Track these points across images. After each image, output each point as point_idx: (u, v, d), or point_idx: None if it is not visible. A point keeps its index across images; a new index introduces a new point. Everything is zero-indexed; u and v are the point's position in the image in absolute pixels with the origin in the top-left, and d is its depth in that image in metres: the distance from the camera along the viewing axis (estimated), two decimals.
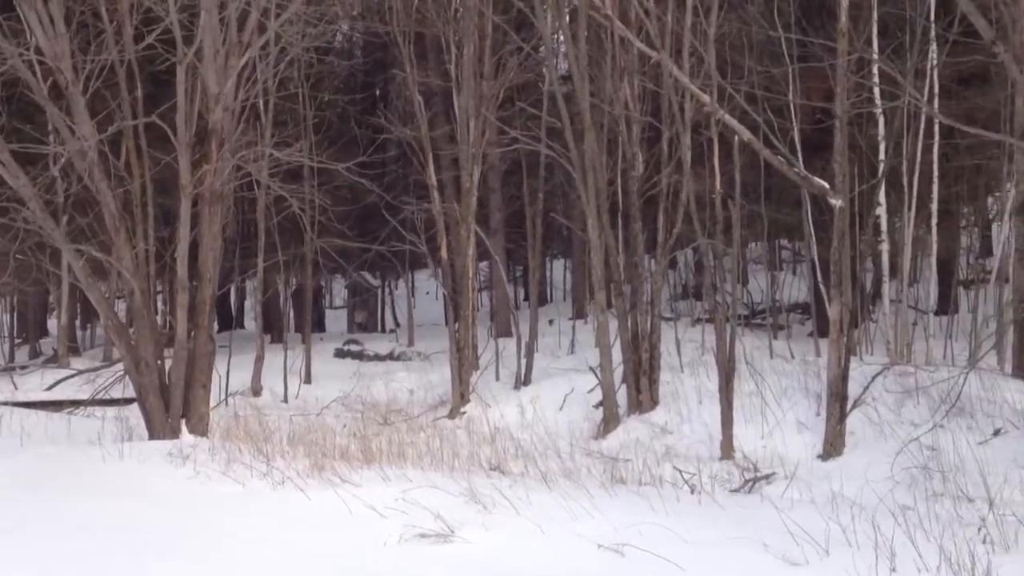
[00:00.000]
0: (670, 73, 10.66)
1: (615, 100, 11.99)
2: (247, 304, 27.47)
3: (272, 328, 20.51)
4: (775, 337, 14.78)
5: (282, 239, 16.35)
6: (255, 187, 15.13)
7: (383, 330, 25.56)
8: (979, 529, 6.33)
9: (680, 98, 11.36)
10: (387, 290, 27.35)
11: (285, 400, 15.22)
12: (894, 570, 5.47)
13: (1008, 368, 12.42)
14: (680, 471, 9.09)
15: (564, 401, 12.72)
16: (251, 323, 24.54)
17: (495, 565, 6.07)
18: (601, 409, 11.99)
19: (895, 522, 6.29)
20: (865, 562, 5.50)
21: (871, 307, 15.20)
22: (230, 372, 15.22)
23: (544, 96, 14.88)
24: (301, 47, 13.31)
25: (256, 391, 15.64)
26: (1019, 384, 11.41)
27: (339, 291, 33.65)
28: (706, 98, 10.19)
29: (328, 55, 17.78)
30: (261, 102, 14.39)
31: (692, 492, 8.17)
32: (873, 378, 10.85)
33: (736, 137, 10.55)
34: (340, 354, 18.40)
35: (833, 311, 10.16)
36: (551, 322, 19.02)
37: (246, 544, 6.53)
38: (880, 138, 12.70)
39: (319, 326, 24.46)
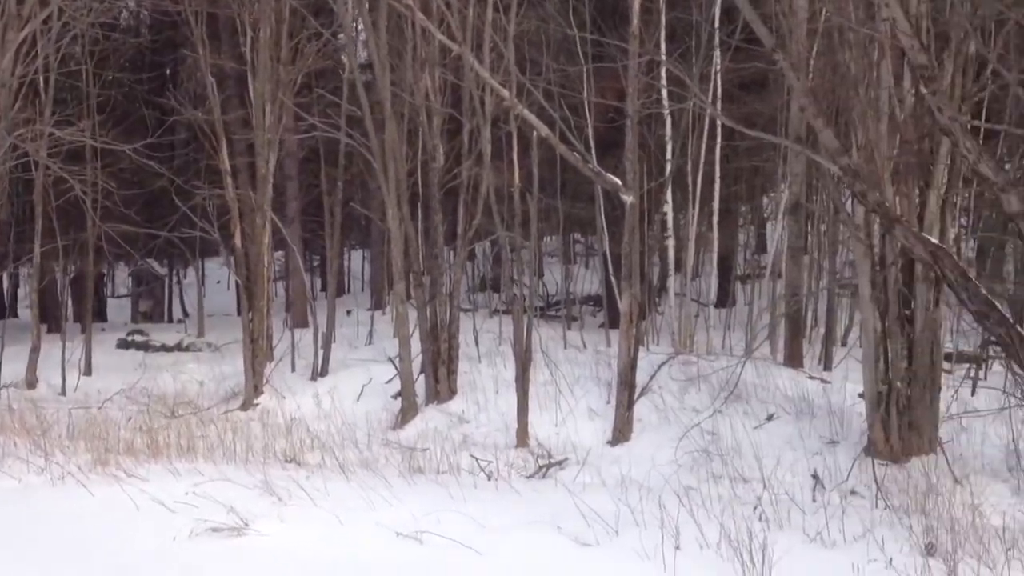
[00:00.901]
0: (471, 67, 10.78)
1: (416, 91, 12.01)
2: (21, 292, 25.77)
3: (49, 317, 19.35)
4: (569, 328, 15.23)
5: (62, 223, 15.43)
6: (33, 168, 14.23)
7: (170, 320, 24.58)
8: (755, 508, 6.76)
9: (481, 92, 11.51)
10: (175, 278, 26.31)
11: (63, 393, 14.40)
12: (679, 547, 5.77)
13: (780, 358, 13.30)
14: (477, 459, 9.23)
15: (362, 392, 12.65)
16: (26, 312, 23.06)
17: (291, 557, 6.00)
18: (399, 399, 12.00)
19: (679, 503, 6.63)
20: (652, 540, 5.78)
21: (657, 300, 15.89)
22: (2, 363, 14.27)
23: (344, 84, 14.71)
24: (86, 22, 12.60)
25: (31, 383, 14.72)
26: (790, 372, 12.24)
27: (123, 279, 32.09)
28: (505, 93, 10.38)
29: (114, 31, 16.90)
30: (41, 79, 13.54)
31: (489, 479, 8.32)
32: (659, 367, 11.36)
33: (534, 132, 10.79)
34: (124, 344, 17.57)
35: (624, 303, 10.58)
36: (349, 312, 18.85)
37: (24, 541, 6.17)
38: (667, 138, 13.30)
39: (101, 315, 23.25)
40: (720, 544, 5.70)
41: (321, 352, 13.92)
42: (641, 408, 10.75)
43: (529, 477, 9.04)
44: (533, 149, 11.22)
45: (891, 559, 5.56)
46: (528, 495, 7.46)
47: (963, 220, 18.64)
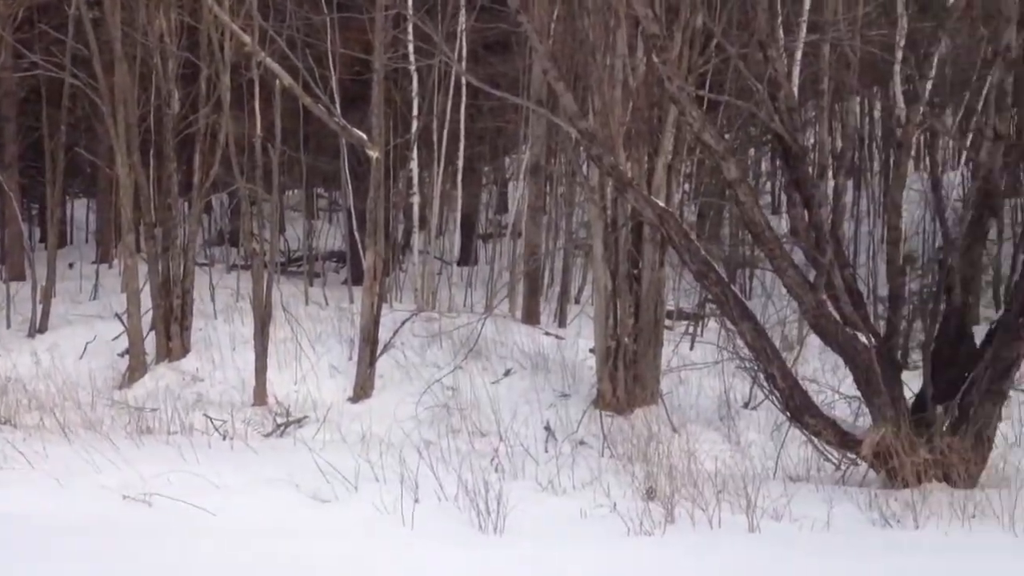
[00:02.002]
0: (210, 8, 10.29)
1: (150, 31, 11.31)
2: None
3: None
4: (311, 284, 14.97)
5: None
6: None
7: None
8: (492, 460, 6.97)
9: (220, 36, 10.99)
10: None
11: None
12: (418, 500, 5.85)
13: (519, 315, 13.70)
14: (211, 419, 8.95)
15: (85, 349, 11.89)
16: None
17: (3, 521, 5.59)
18: (127, 357, 11.40)
19: (419, 457, 6.72)
20: (392, 494, 5.83)
21: (402, 257, 15.91)
22: None
23: (70, 20, 13.61)
24: None
25: None
26: (528, 329, 12.63)
27: None
28: (247, 38, 10.00)
29: None
30: None
31: (224, 439, 8.09)
32: (402, 324, 11.41)
33: (277, 81, 10.47)
34: None
35: (368, 260, 10.52)
36: (71, 265, 17.62)
37: None
38: (414, 95, 13.27)
39: None
40: (458, 496, 5.84)
41: (40, 307, 12.96)
42: (383, 365, 10.77)
43: (267, 436, 8.88)
44: (276, 99, 10.86)
45: (615, 504, 5.89)
46: (265, 454, 7.32)
47: (687, 186, 19.86)
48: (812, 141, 11.21)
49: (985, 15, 7.21)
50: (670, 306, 13.59)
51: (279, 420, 9.40)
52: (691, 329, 13.30)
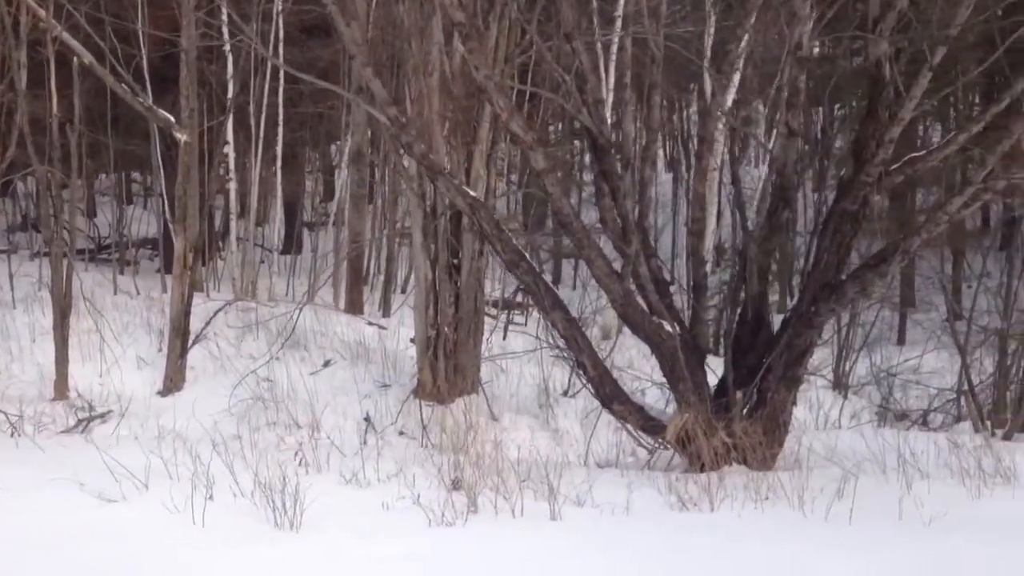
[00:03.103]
0: None
1: None
2: None
3: None
4: (122, 273, 14.32)
5: None
6: None
7: None
8: (296, 453, 6.79)
9: (14, 10, 10.31)
10: None
11: None
12: (211, 498, 5.63)
13: (342, 304, 13.49)
14: (6, 414, 8.41)
15: None
16: None
17: None
18: None
19: (217, 452, 6.48)
20: (183, 492, 5.59)
21: (221, 244, 15.41)
22: None
23: None
24: None
25: None
26: (349, 319, 12.46)
27: None
28: (42, 13, 9.42)
29: None
30: None
31: (12, 436, 7.60)
32: (215, 313, 11.04)
33: (76, 59, 9.91)
34: None
35: (178, 246, 10.11)
36: None
37: None
38: (229, 76, 12.84)
39: None
40: (254, 492, 5.65)
41: None
42: (196, 356, 10.39)
43: (67, 431, 8.41)
44: (75, 78, 10.28)
45: (419, 495, 5.83)
46: (54, 452, 6.91)
47: (513, 176, 20.02)
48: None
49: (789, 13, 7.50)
50: (496, 294, 13.70)
51: (80, 415, 8.92)
52: (514, 318, 13.41)
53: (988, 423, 9.03)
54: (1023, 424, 8.61)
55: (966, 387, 9.40)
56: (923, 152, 7.10)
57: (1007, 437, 8.26)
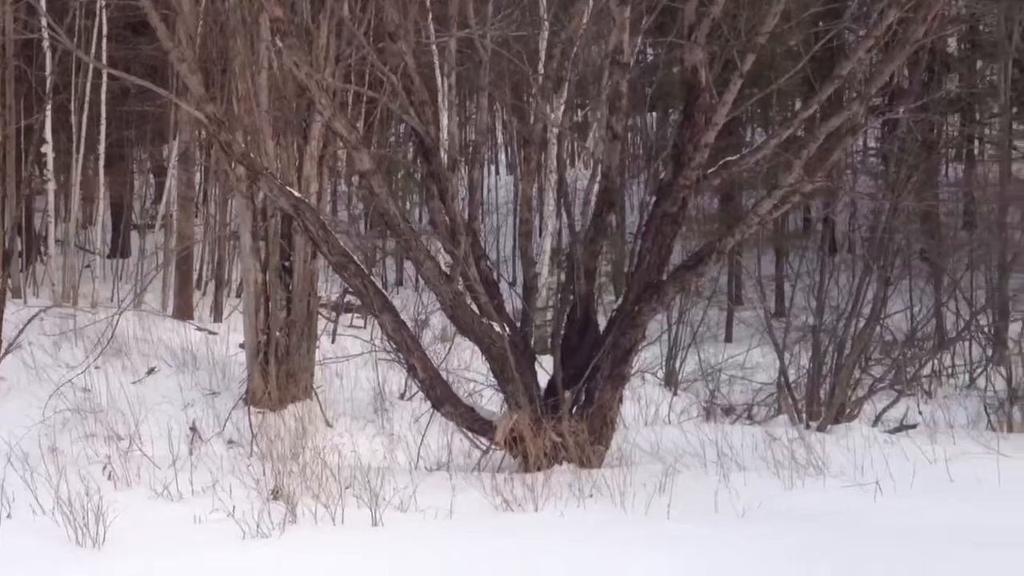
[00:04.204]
0: None
1: None
2: None
3: None
4: None
5: None
6: None
7: None
8: (104, 467, 6.48)
9: None
10: None
11: None
12: (9, 516, 5.32)
13: (170, 310, 13.02)
14: None
15: None
16: None
17: None
18: None
19: (15, 467, 6.13)
20: None
21: (43, 247, 14.65)
22: None
23: None
24: None
25: None
26: (176, 324, 12.03)
27: None
28: None
29: None
30: None
31: None
32: (29, 321, 10.48)
33: None
34: None
35: None
36: None
37: None
38: (48, 73, 12.22)
39: None
40: (54, 509, 5.35)
41: None
42: (8, 366, 9.86)
43: None
44: None
45: (234, 507, 5.64)
46: None
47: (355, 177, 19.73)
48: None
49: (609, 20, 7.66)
50: (334, 296, 13.47)
51: None
52: (354, 321, 13.24)
53: (803, 416, 9.42)
54: (835, 416, 9.02)
55: (784, 382, 9.79)
56: (737, 156, 7.34)
57: (821, 429, 8.62)
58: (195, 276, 14.13)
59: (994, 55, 16.49)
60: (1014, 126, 16.72)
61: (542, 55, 10.97)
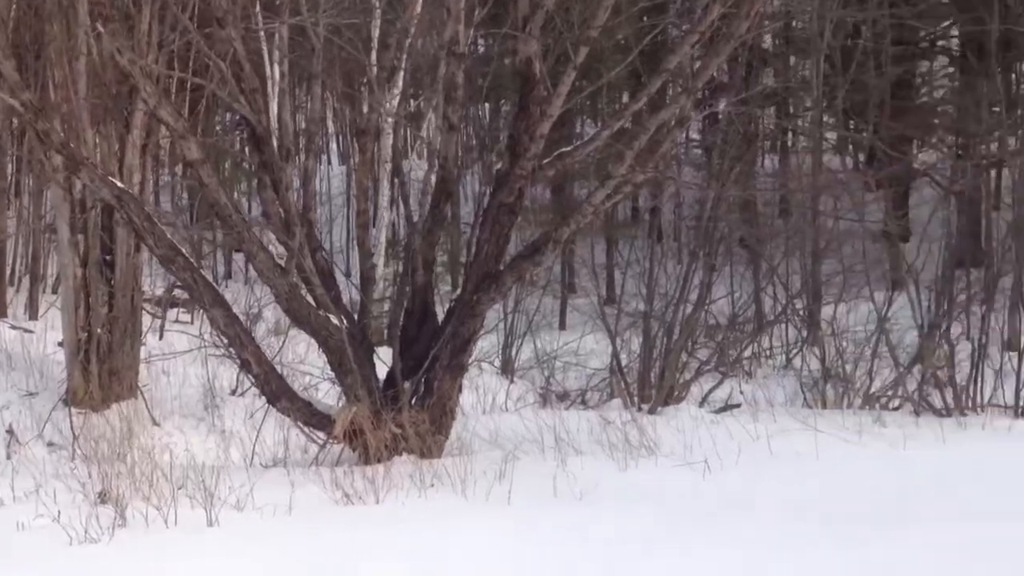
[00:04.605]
0: None
1: None
2: None
3: None
4: None
5: None
6: None
7: None
8: None
9: None
10: None
11: None
12: None
13: None
14: None
15: None
16: None
17: None
18: None
19: None
20: None
21: None
22: None
23: None
24: None
25: None
26: None
27: None
28: None
29: None
30: None
31: None
32: None
33: None
34: None
35: None
36: None
37: None
38: None
39: None
40: None
41: None
42: None
43: None
44: None
45: (59, 512, 5.38)
46: None
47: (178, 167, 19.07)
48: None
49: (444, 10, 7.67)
50: (159, 291, 12.99)
51: None
52: (180, 316, 12.83)
53: (635, 399, 9.71)
54: (665, 399, 9.34)
55: (616, 367, 10.07)
56: (571, 148, 7.48)
57: (652, 412, 8.91)
58: (8, 271, 13.34)
59: (807, 51, 17.37)
60: (825, 119, 17.64)
61: (375, 44, 10.88)
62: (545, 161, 7.36)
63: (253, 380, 7.74)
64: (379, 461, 7.10)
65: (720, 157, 11.89)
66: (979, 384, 9.26)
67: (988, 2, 15.56)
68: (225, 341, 7.89)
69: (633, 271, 11.13)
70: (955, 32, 19.59)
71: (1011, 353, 9.76)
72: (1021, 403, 9.03)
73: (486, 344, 11.27)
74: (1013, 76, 20.04)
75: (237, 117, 10.69)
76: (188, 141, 6.67)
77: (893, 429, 7.82)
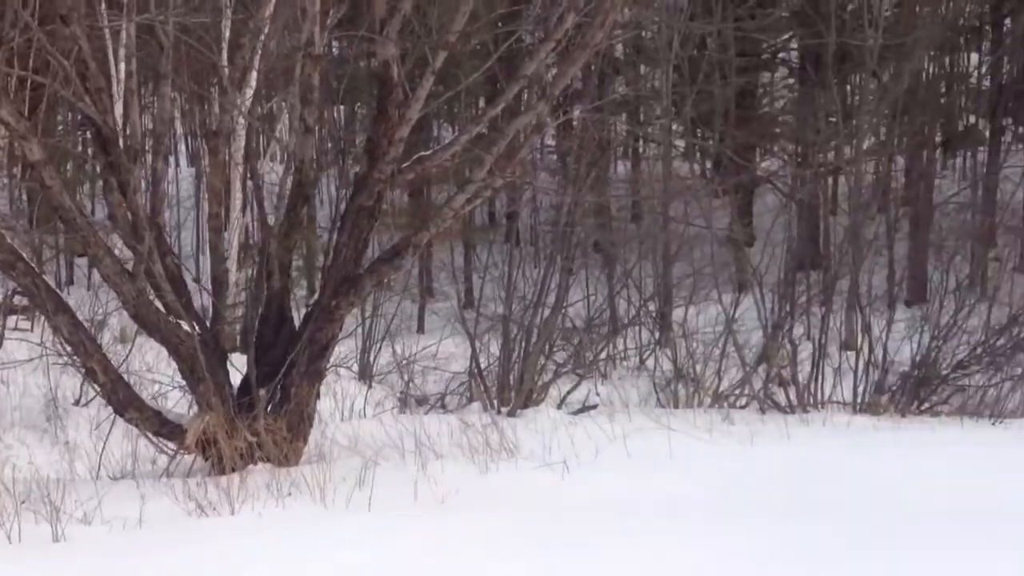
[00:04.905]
0: None
1: None
2: None
3: None
4: None
5: None
6: None
7: None
8: None
9: None
10: None
11: None
12: None
13: None
14: None
15: None
16: None
17: None
18: None
19: None
20: None
21: None
22: None
23: None
24: None
25: None
26: None
27: None
28: None
29: None
30: None
31: None
32: None
33: None
34: None
35: None
36: None
37: None
38: None
39: None
40: None
41: None
42: None
43: None
44: None
45: None
46: None
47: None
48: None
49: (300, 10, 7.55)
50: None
51: None
52: (19, 324, 12.24)
53: (495, 402, 9.79)
54: (524, 401, 9.45)
55: (476, 370, 10.13)
56: (430, 152, 7.49)
57: (511, 414, 8.99)
58: None
59: (656, 61, 17.88)
60: (674, 127, 18.18)
61: (225, 44, 10.63)
62: (404, 165, 7.34)
63: (99, 390, 7.44)
64: (234, 470, 6.93)
65: (575, 163, 12.11)
66: (820, 382, 9.73)
67: (826, 17, 16.37)
68: (69, 349, 7.57)
69: (491, 275, 11.22)
70: (795, 45, 20.53)
71: (848, 352, 10.30)
72: (858, 399, 9.54)
73: (344, 349, 11.18)
74: (848, 88, 21.14)
75: (80, 117, 10.28)
76: (30, 142, 6.36)
77: (741, 426, 8.13)
